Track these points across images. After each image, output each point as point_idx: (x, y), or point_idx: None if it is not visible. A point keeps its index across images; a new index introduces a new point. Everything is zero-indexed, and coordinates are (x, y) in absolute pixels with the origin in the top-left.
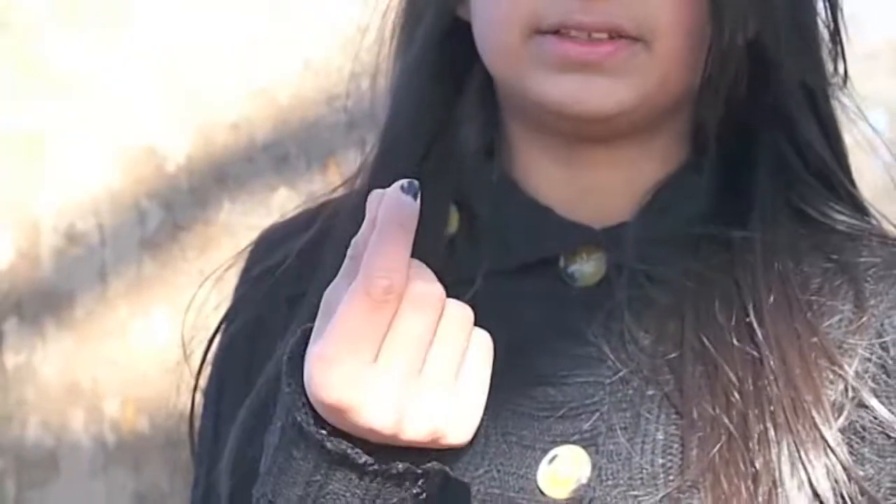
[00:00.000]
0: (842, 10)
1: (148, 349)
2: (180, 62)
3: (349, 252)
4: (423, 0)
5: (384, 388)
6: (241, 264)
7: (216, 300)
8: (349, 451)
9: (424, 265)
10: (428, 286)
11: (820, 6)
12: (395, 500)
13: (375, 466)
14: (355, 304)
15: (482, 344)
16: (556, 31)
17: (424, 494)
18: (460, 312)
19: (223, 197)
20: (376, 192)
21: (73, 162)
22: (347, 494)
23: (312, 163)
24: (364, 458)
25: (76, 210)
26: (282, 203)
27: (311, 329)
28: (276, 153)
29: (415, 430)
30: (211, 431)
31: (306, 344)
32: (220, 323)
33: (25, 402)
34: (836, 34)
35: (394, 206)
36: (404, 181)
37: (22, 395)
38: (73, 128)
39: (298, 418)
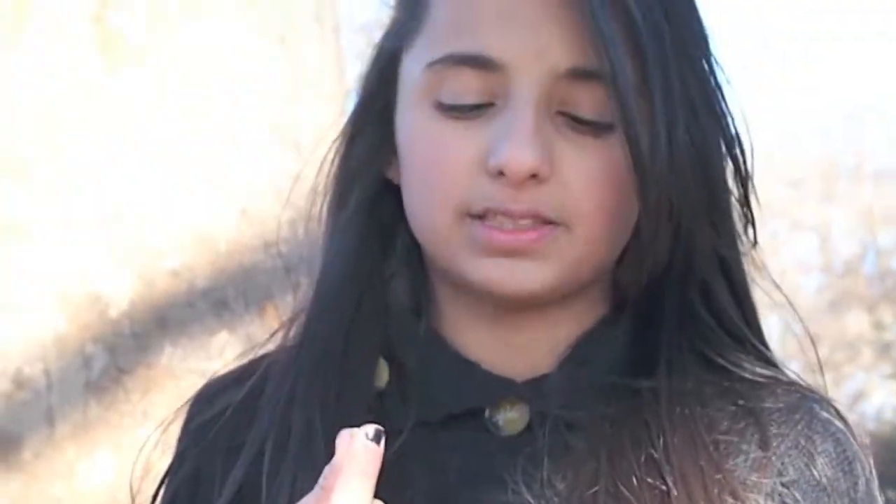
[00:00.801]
0: (752, 179)
1: (94, 490)
2: (122, 211)
3: (320, 480)
4: (355, 162)
5: None
6: (182, 418)
7: (162, 447)
8: None
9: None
10: None
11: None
12: None
13: None
14: None
15: None
16: (484, 215)
17: None
18: None
19: (165, 341)
20: (345, 432)
21: (20, 308)
22: None
23: (251, 307)
24: None
25: (23, 355)
26: (221, 346)
27: None
28: (216, 298)
29: None
30: None
31: None
32: (164, 478)
33: None
34: (746, 204)
35: (359, 453)
36: (370, 429)
37: None
38: (17, 275)
39: None
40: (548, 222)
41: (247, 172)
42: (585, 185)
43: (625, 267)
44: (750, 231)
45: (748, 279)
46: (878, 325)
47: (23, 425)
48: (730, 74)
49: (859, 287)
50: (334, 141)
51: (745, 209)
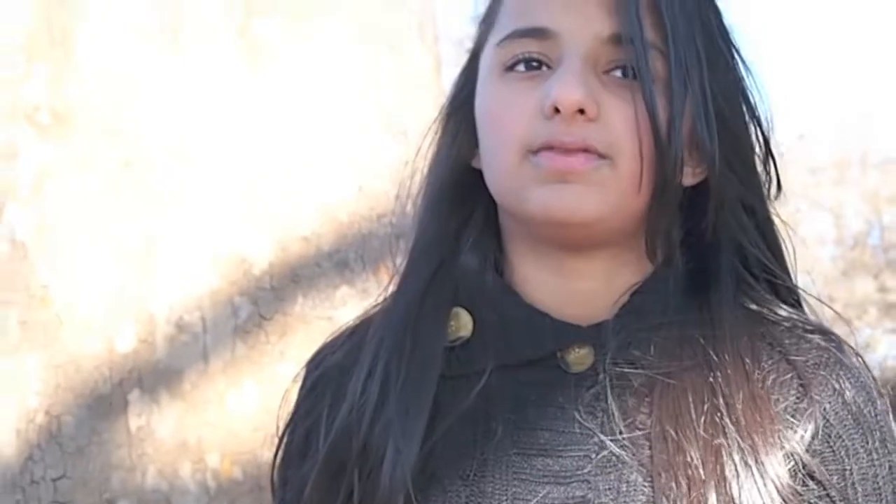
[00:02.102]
0: (772, 135)
1: (240, 414)
2: (263, 189)
3: None
4: (444, 152)
5: None
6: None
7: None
8: None
9: None
10: None
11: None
12: None
13: None
14: None
15: None
16: (543, 149)
17: None
18: None
19: (298, 294)
20: None
21: (181, 268)
22: None
23: (367, 266)
24: None
25: (184, 305)
26: (343, 298)
27: None
28: (338, 259)
29: None
30: None
31: None
32: (286, 428)
33: (145, 455)
34: (768, 155)
35: None
36: None
37: (142, 450)
38: (180, 242)
39: None
40: (596, 155)
41: (363, 157)
42: (628, 126)
43: (651, 223)
44: (773, 188)
45: (776, 229)
46: (883, 289)
47: (183, 362)
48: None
49: (866, 257)
50: (436, 119)
51: (766, 164)
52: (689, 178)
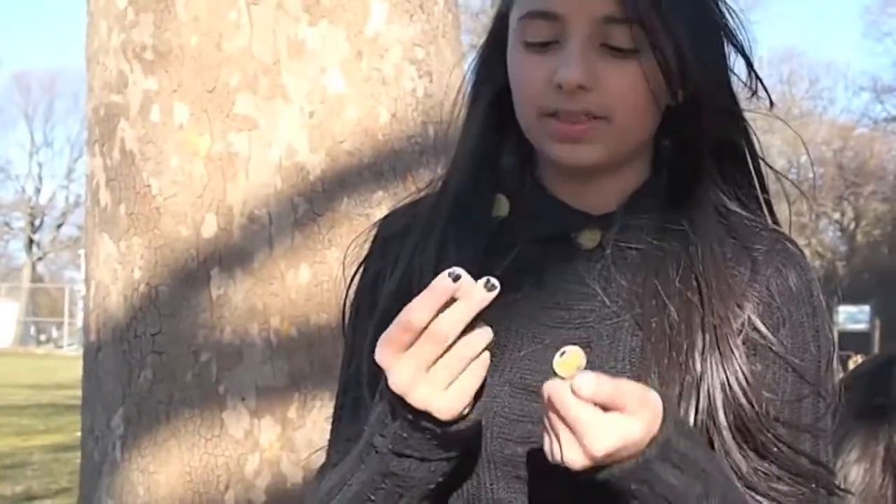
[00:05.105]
0: (752, 54)
1: (296, 287)
2: (317, 115)
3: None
4: (484, 73)
5: (405, 370)
6: (374, 231)
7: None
8: (400, 409)
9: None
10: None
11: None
12: (419, 442)
13: (411, 419)
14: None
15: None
16: (554, 114)
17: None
18: (480, 335)
19: (343, 195)
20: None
21: (254, 174)
22: (403, 434)
23: (397, 175)
24: (409, 415)
25: (255, 202)
26: (378, 199)
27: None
28: (375, 169)
29: (413, 401)
30: (350, 337)
31: None
32: (358, 268)
33: (223, 317)
34: (750, 70)
35: (477, 292)
36: (455, 270)
37: (221, 314)
38: (255, 154)
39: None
40: (595, 117)
41: (397, 90)
42: (619, 90)
43: (667, 136)
44: (760, 95)
45: (755, 145)
46: (797, 213)
47: (253, 246)
48: None
49: (786, 186)
50: (473, 60)
51: (750, 77)
52: (679, 97)
